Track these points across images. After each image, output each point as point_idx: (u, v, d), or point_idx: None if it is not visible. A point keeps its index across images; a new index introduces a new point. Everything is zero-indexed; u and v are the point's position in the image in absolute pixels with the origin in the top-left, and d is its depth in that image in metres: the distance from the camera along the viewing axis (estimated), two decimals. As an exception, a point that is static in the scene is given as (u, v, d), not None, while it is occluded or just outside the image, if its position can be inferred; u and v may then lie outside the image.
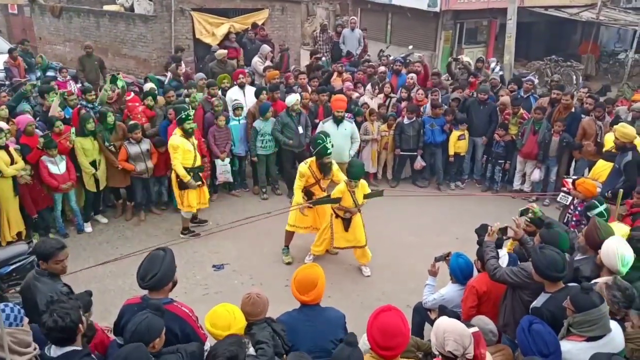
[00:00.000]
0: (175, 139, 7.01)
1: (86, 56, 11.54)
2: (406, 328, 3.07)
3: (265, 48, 11.75)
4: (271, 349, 3.27)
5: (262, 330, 3.38)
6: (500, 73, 11.86)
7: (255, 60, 11.48)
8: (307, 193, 6.73)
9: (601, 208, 5.33)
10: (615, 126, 6.87)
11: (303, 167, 6.60)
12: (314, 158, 6.60)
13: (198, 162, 7.23)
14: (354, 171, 6.17)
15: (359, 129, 8.65)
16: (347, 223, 6.51)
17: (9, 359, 2.48)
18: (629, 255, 3.91)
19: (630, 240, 4.18)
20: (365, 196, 6.49)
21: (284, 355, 3.49)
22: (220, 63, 10.82)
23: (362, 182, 6.37)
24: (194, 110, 7.85)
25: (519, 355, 3.60)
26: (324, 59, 11.80)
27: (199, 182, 7.24)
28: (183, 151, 6.98)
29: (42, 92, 8.33)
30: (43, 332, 2.98)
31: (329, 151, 6.45)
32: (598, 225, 4.35)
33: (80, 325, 3.05)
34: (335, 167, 6.68)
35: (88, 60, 11.50)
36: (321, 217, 6.81)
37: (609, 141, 7.06)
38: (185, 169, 7.05)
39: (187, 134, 7.03)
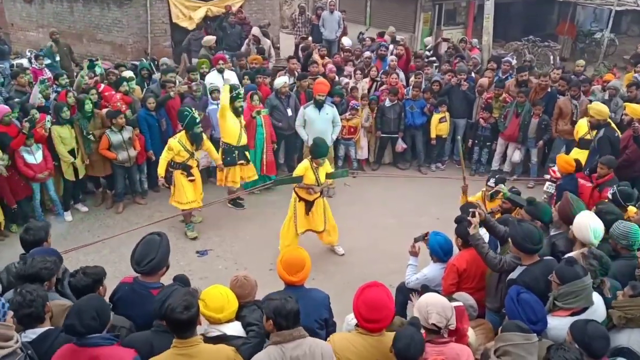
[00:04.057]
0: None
1: (54, 43, 11.22)
2: (391, 302, 3.19)
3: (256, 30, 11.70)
4: (262, 330, 3.29)
5: (253, 312, 3.41)
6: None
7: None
8: (185, 168, 6.86)
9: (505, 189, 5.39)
10: (589, 105, 6.98)
11: (172, 142, 6.79)
12: (183, 132, 6.82)
13: (243, 142, 7.39)
14: (319, 150, 6.22)
15: (338, 111, 8.63)
16: (309, 206, 6.46)
17: None
18: (600, 227, 4.02)
19: (599, 213, 4.28)
20: (329, 175, 6.55)
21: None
22: (210, 50, 10.55)
23: (326, 161, 6.43)
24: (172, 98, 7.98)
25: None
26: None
27: (242, 161, 7.46)
28: (229, 129, 7.21)
29: (14, 75, 8.18)
30: (12, 309, 2.97)
31: (197, 120, 6.69)
32: (571, 200, 4.48)
33: (48, 304, 3.08)
34: (205, 136, 6.81)
35: (58, 47, 11.21)
36: (198, 192, 7.07)
37: (582, 127, 7.13)
38: (230, 146, 7.30)
39: (236, 113, 7.28)
